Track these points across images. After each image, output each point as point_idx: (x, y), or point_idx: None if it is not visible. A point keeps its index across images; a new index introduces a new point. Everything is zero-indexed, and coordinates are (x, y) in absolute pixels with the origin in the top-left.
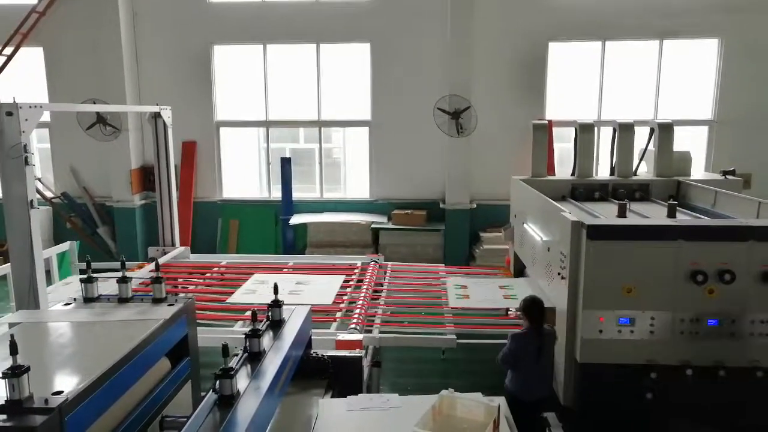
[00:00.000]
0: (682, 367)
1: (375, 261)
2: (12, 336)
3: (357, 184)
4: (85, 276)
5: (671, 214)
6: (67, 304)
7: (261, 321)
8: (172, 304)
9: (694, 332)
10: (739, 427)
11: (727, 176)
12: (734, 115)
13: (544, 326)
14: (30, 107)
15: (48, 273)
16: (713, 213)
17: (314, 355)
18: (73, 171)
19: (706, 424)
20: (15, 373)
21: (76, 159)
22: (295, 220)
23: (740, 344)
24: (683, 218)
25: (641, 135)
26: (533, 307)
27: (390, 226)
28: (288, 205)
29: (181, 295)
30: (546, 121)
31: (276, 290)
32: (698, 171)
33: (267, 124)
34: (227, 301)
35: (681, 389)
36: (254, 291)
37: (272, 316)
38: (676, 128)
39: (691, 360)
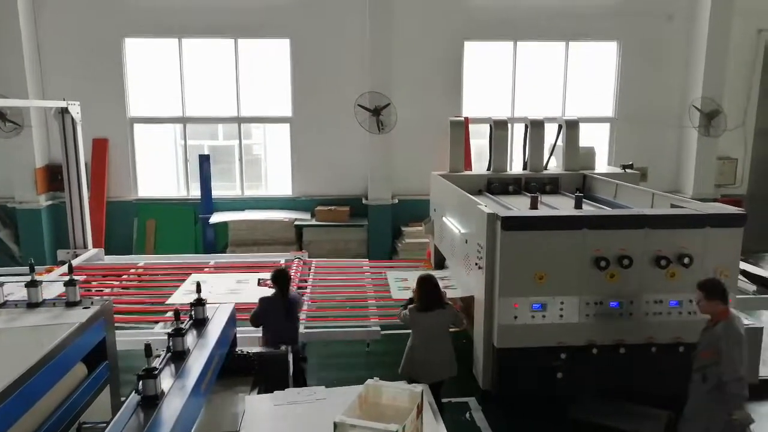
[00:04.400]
0: (589, 347)
1: (299, 258)
2: None
3: (279, 181)
4: None
5: (578, 205)
6: None
7: (184, 321)
8: (88, 307)
9: (598, 314)
10: (639, 395)
11: (626, 170)
12: (632, 113)
13: (293, 293)
14: None
15: None
16: (614, 203)
17: (239, 352)
18: None
19: (611, 396)
20: None
21: None
22: (216, 218)
23: (637, 323)
24: (588, 209)
25: (551, 131)
26: (279, 277)
27: (313, 222)
28: (207, 203)
29: (97, 297)
30: (463, 118)
31: (199, 288)
32: (602, 165)
33: (184, 121)
34: (166, 302)
35: (588, 367)
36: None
37: (195, 314)
38: (581, 125)
39: (596, 340)
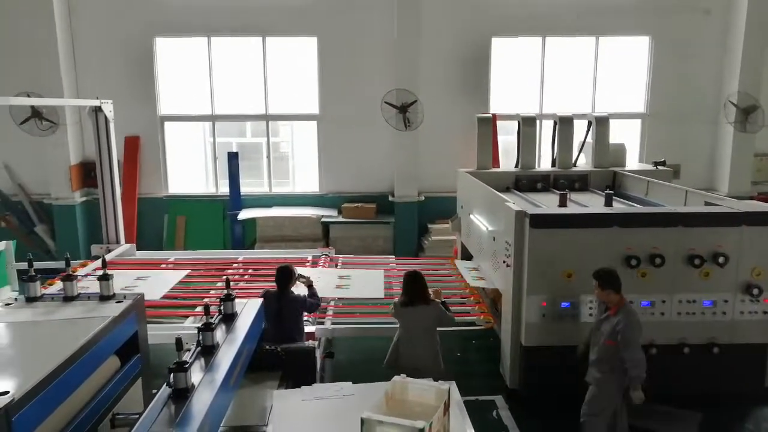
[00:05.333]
0: None
1: (326, 254)
2: None
3: (306, 179)
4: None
5: (608, 202)
6: (7, 305)
7: (213, 315)
8: (121, 301)
9: None
10: (669, 398)
11: (658, 167)
12: (664, 109)
13: (295, 294)
14: None
15: None
16: (646, 201)
17: (267, 347)
18: (7, 167)
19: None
20: None
21: (9, 155)
22: (244, 215)
23: (669, 323)
24: (619, 206)
25: (580, 128)
26: (277, 275)
27: (340, 219)
28: (236, 200)
29: (130, 292)
30: (490, 115)
31: (228, 284)
32: (632, 162)
33: (213, 119)
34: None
35: None
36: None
37: (224, 309)
38: (611, 121)
39: None
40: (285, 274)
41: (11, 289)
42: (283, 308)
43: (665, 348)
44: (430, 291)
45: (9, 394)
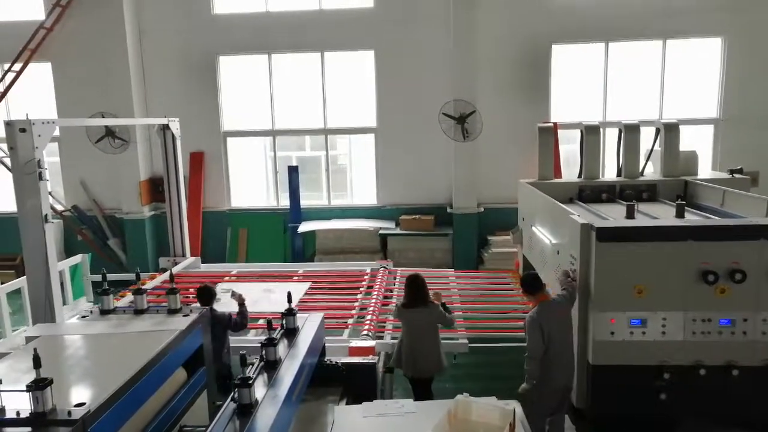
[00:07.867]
0: (695, 368)
1: (384, 267)
2: (35, 350)
3: (364, 191)
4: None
5: (680, 214)
6: (83, 317)
7: (276, 329)
8: (188, 315)
9: (706, 332)
10: (752, 425)
11: (734, 175)
12: (740, 113)
13: (219, 313)
14: (43, 123)
15: (60, 286)
16: (722, 212)
17: (328, 362)
18: (83, 184)
19: (720, 423)
20: (39, 386)
21: (85, 172)
22: (304, 227)
23: (753, 343)
24: (692, 218)
25: (647, 135)
26: (199, 293)
27: (398, 231)
28: (296, 212)
29: (196, 305)
30: (551, 124)
31: (290, 299)
32: (705, 170)
33: (273, 133)
34: None
35: (694, 389)
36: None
37: (286, 324)
38: (681, 128)
39: (703, 360)
40: (206, 293)
41: (86, 300)
42: (216, 329)
43: (748, 370)
44: (430, 293)
45: (85, 406)
